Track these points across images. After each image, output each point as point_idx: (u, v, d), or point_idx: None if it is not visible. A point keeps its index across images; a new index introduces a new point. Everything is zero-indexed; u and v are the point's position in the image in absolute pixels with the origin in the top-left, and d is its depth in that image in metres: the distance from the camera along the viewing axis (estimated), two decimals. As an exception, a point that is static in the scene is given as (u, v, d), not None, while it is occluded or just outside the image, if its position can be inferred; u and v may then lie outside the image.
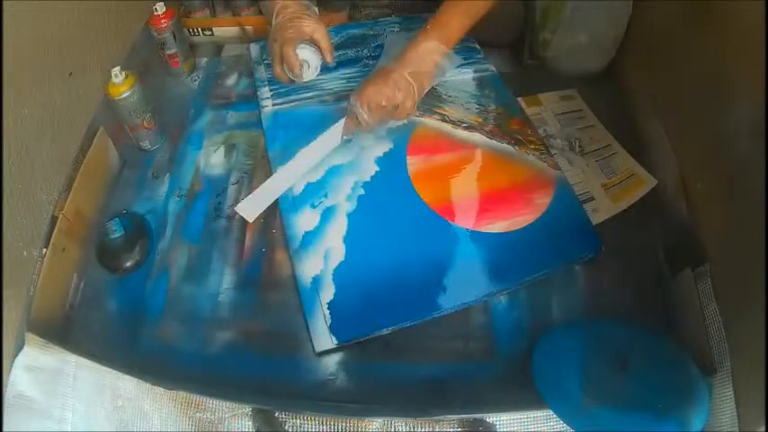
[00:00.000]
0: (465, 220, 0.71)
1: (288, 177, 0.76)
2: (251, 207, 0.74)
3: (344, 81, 0.88)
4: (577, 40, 0.84)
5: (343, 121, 0.77)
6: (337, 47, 0.92)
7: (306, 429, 0.55)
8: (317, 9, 0.77)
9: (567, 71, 0.89)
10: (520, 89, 0.87)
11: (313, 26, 0.73)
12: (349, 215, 0.72)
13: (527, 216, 0.71)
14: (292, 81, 0.75)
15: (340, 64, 0.90)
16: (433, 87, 0.82)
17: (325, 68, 0.77)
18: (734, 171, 0.58)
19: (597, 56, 0.86)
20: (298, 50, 0.71)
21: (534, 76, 0.86)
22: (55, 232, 0.65)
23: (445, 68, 0.76)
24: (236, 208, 0.74)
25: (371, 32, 0.96)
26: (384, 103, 0.72)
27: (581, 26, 0.83)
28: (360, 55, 0.92)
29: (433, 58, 0.73)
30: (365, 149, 0.78)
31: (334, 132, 0.78)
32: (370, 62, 0.91)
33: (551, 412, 0.54)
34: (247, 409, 0.56)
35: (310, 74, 0.75)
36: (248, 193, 0.76)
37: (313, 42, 0.73)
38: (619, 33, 0.83)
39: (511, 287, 0.67)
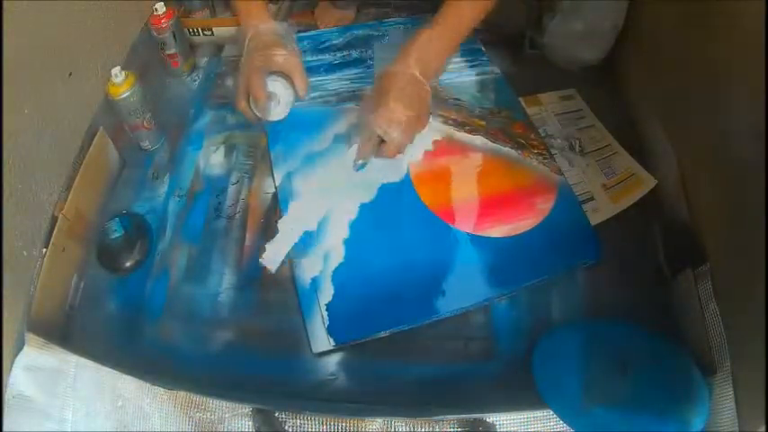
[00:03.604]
0: (466, 224, 0.71)
1: (300, 219, 0.70)
2: (272, 256, 0.69)
3: (348, 82, 0.88)
4: (575, 26, 0.84)
5: (354, 147, 0.68)
6: (342, 48, 0.93)
7: (306, 429, 0.55)
8: (295, 37, 0.71)
9: (566, 61, 0.89)
10: (520, 89, 0.87)
11: (286, 56, 0.65)
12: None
13: (528, 221, 0.71)
14: (258, 119, 0.68)
15: (344, 65, 0.90)
16: (435, 89, 0.82)
17: (329, 68, 0.74)
18: (734, 171, 0.58)
19: (595, 45, 0.86)
20: (267, 82, 0.64)
21: (534, 71, 0.86)
22: (55, 232, 0.65)
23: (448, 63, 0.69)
24: (261, 260, 0.68)
25: (376, 33, 0.96)
26: (410, 114, 0.60)
27: (579, 12, 0.83)
28: (364, 56, 0.92)
29: (438, 51, 0.64)
30: None
31: (346, 162, 0.71)
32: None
33: (551, 412, 0.54)
34: (247, 409, 0.56)
35: (279, 111, 0.67)
36: (248, 193, 0.76)
37: (285, 75, 0.66)
38: (616, 23, 0.83)
39: (510, 292, 0.67)
